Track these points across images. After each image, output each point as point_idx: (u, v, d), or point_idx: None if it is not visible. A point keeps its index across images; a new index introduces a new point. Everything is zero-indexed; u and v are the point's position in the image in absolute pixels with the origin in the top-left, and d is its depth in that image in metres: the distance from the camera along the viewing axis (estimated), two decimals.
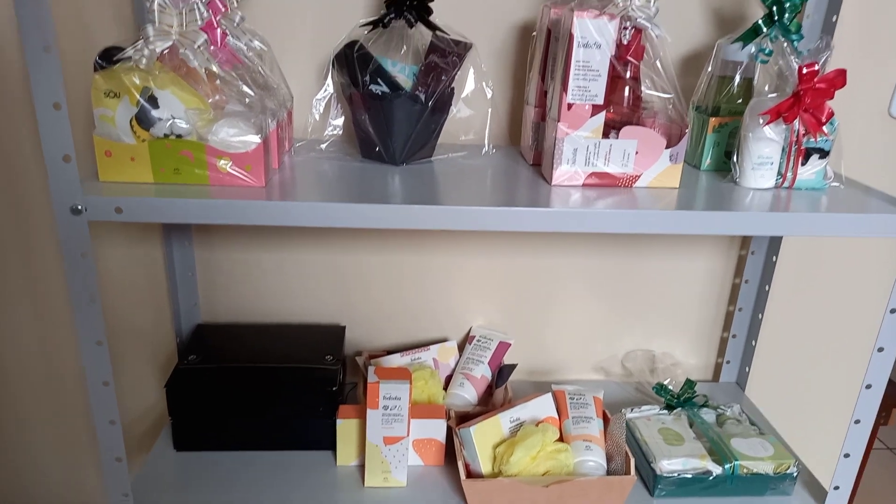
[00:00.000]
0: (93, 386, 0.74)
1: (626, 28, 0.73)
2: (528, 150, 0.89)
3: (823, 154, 0.79)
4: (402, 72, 0.86)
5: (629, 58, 0.75)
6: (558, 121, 0.76)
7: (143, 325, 1.06)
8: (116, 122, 0.68)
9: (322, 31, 0.91)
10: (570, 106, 0.75)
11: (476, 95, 0.88)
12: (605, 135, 0.77)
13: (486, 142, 0.91)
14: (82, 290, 0.69)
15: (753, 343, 1.10)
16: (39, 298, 1.04)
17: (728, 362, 1.14)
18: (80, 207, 0.65)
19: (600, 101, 0.75)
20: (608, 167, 0.78)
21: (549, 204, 0.72)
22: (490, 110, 0.90)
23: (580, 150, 0.77)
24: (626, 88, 0.77)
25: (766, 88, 0.82)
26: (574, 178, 0.79)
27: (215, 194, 0.69)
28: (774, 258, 1.04)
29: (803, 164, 0.79)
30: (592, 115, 0.76)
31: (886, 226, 0.74)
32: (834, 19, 0.89)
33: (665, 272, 1.09)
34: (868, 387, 0.82)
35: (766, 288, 1.06)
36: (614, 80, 0.76)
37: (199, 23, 0.67)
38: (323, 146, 0.90)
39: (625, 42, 0.74)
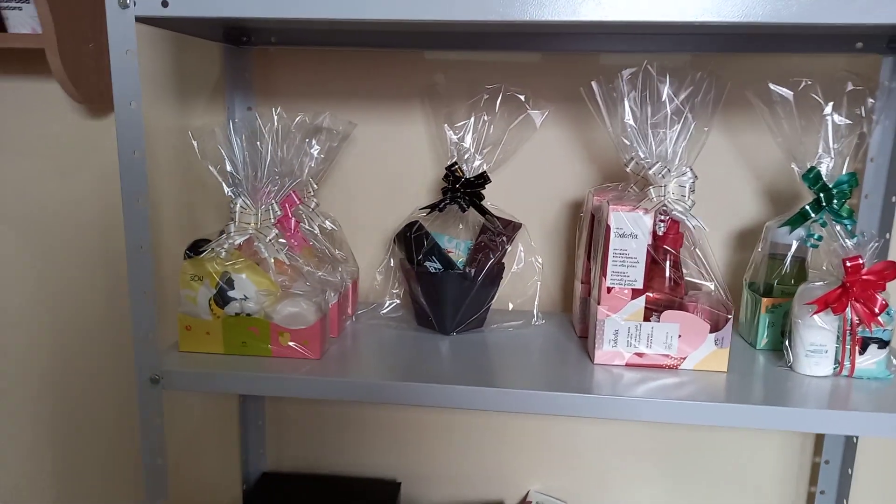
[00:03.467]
0: None
1: (661, 221, 0.77)
2: (577, 321, 0.92)
3: (883, 344, 0.75)
4: (458, 247, 0.93)
5: (666, 247, 0.77)
6: (599, 303, 0.79)
7: (212, 472, 1.13)
8: (198, 301, 0.78)
9: (388, 211, 1.01)
10: (609, 290, 0.78)
11: (526, 269, 0.93)
12: (648, 316, 0.78)
13: (535, 312, 0.94)
14: (152, 451, 0.76)
15: None
16: (112, 463, 1.14)
17: None
18: (157, 377, 0.74)
19: (639, 285, 0.78)
20: (650, 349, 0.79)
21: (591, 387, 0.74)
22: (539, 283, 0.94)
23: (621, 331, 0.79)
24: (667, 273, 0.79)
25: (825, 267, 0.81)
26: (617, 357, 0.80)
27: (276, 366, 0.76)
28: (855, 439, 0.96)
29: (861, 354, 0.76)
30: (633, 298, 0.78)
31: None
32: (893, 199, 0.88)
33: (737, 443, 1.04)
34: None
35: (849, 471, 0.97)
36: (655, 264, 0.79)
37: (272, 219, 0.77)
38: (383, 312, 0.97)
39: (660, 233, 0.77)
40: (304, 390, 0.74)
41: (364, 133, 0.99)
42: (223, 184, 0.77)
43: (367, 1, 0.65)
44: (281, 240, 0.78)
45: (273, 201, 0.77)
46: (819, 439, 1.02)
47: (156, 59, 1.00)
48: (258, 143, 0.79)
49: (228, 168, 0.76)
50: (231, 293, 0.78)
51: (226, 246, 0.76)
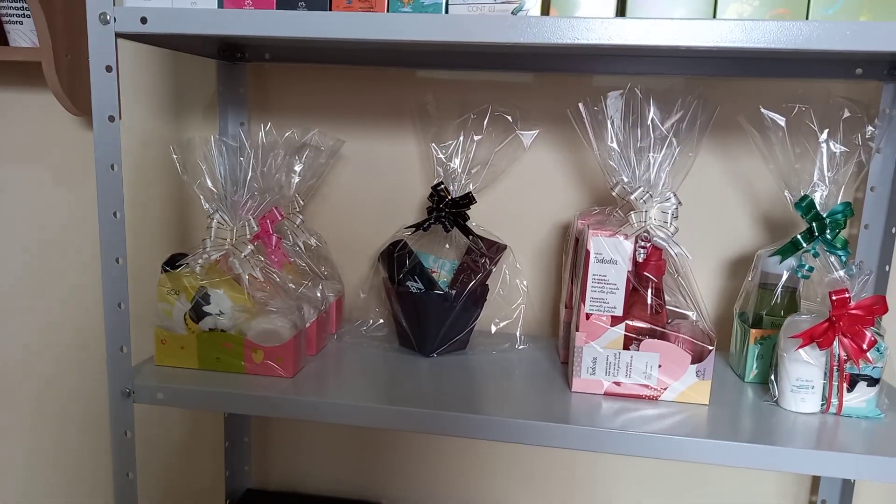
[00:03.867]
0: None
1: (642, 247, 0.75)
2: (561, 346, 0.90)
3: (872, 381, 0.72)
4: (443, 267, 0.91)
5: (647, 273, 0.75)
6: (578, 329, 0.77)
7: (196, 486, 1.13)
8: (173, 315, 0.78)
9: (377, 229, 1.00)
10: (588, 316, 0.76)
11: (511, 291, 0.92)
12: (628, 345, 0.76)
13: (518, 335, 0.92)
14: (122, 466, 0.76)
15: None
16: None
17: None
18: (129, 391, 0.74)
19: (619, 312, 0.76)
20: (629, 379, 0.76)
21: (565, 417, 0.71)
22: (524, 306, 0.92)
23: (599, 359, 0.77)
24: (648, 301, 0.76)
25: (819, 299, 0.78)
26: (595, 386, 0.77)
27: (247, 383, 0.76)
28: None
29: (849, 391, 0.73)
30: (612, 325, 0.76)
31: None
32: (894, 230, 0.85)
33: (732, 476, 1.00)
34: None
35: None
36: (636, 292, 0.77)
37: (248, 235, 0.77)
38: (365, 331, 0.95)
39: (640, 259, 0.75)
40: (271, 409, 0.73)
41: (355, 150, 0.99)
42: (202, 198, 0.78)
43: (346, 22, 0.65)
44: (260, 256, 0.77)
45: (250, 217, 0.77)
46: (815, 478, 0.98)
47: (154, 72, 1.02)
48: (241, 158, 0.79)
49: (209, 183, 0.76)
50: (206, 308, 0.78)
51: (200, 261, 0.76)
